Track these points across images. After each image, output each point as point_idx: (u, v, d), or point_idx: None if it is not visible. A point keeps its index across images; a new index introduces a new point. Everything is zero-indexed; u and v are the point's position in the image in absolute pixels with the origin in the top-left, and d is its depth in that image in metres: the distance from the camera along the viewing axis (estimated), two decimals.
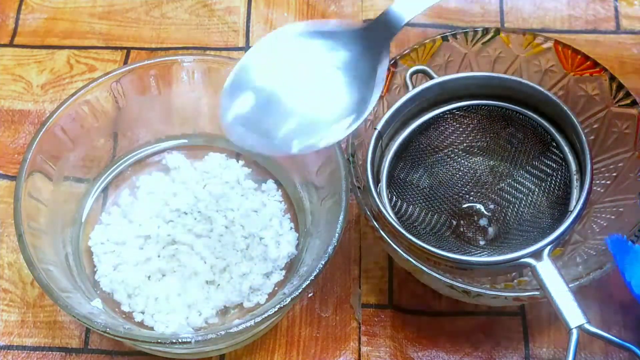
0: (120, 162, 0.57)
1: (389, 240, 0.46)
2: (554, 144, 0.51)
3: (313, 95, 0.44)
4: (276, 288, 0.52)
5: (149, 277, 0.51)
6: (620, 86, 0.50)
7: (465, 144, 0.54)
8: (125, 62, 0.63)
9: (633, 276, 0.44)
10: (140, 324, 0.50)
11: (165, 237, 0.52)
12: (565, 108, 0.50)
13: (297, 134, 0.43)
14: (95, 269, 0.52)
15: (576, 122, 0.49)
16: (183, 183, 0.55)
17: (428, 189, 0.54)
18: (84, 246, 0.53)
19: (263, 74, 0.44)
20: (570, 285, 0.44)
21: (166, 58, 0.54)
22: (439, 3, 0.44)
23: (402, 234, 0.47)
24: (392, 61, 0.53)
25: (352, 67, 0.44)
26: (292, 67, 0.44)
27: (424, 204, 0.53)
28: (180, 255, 0.52)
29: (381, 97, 0.52)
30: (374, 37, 0.44)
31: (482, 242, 0.53)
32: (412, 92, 0.51)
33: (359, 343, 0.52)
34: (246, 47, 0.64)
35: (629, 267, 0.44)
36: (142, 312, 0.50)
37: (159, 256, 0.52)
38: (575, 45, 0.52)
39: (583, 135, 0.49)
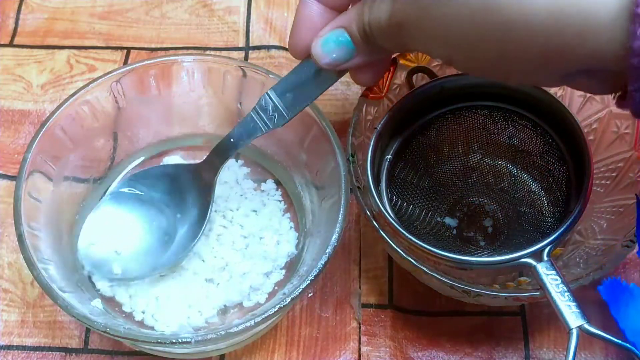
0: (120, 162, 0.57)
1: (389, 240, 0.46)
2: (554, 144, 0.51)
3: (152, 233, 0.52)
4: (276, 287, 0.52)
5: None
6: None
7: (465, 144, 0.54)
8: (125, 62, 0.63)
9: (627, 321, 0.44)
10: (141, 324, 0.50)
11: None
12: (565, 108, 0.50)
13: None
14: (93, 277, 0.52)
15: (576, 122, 0.49)
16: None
17: (428, 189, 0.54)
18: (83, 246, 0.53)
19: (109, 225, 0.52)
20: (570, 285, 0.44)
21: (166, 58, 0.54)
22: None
23: (402, 234, 0.47)
24: (392, 61, 0.53)
25: (189, 198, 0.51)
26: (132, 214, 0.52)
27: (424, 204, 0.53)
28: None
29: (381, 97, 0.52)
30: (206, 169, 0.51)
31: (482, 242, 0.53)
32: (412, 92, 0.51)
33: (359, 343, 0.52)
34: (246, 47, 0.64)
35: (623, 312, 0.44)
36: (143, 312, 0.50)
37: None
38: None
39: (583, 135, 0.49)
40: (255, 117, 0.48)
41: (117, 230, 0.51)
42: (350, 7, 0.44)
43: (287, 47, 0.64)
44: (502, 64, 0.37)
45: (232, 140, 0.49)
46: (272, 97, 0.47)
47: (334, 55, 0.43)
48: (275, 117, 0.47)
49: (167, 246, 0.51)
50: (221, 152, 0.50)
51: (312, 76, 0.46)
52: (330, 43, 0.43)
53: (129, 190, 0.52)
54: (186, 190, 0.52)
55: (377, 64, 0.46)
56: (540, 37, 0.34)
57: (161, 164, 0.57)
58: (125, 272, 0.50)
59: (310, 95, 0.47)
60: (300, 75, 0.46)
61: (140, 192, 0.52)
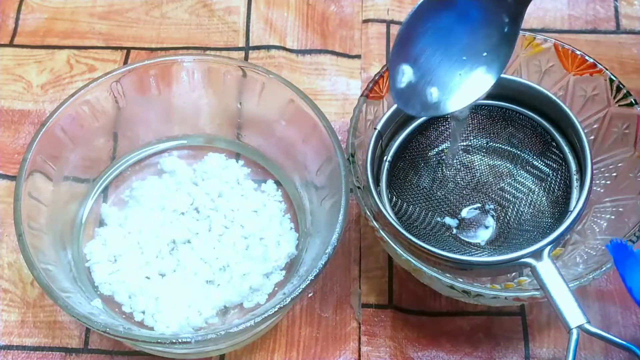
0: (120, 162, 0.57)
1: (389, 240, 0.46)
2: (554, 144, 0.51)
3: (463, 57, 0.47)
4: (276, 288, 0.52)
5: (149, 277, 0.51)
6: (620, 86, 0.50)
7: (465, 144, 0.54)
8: (125, 62, 0.63)
9: (634, 281, 0.43)
10: (141, 324, 0.50)
11: (164, 237, 0.52)
12: (565, 108, 0.50)
13: (455, 95, 0.48)
14: (93, 274, 0.52)
15: (576, 122, 0.49)
16: (180, 183, 0.55)
17: (428, 189, 0.54)
18: (83, 246, 0.53)
19: (419, 42, 0.47)
20: (570, 285, 0.44)
21: (166, 58, 0.54)
22: None
23: (402, 234, 0.47)
24: None
25: (491, 21, 0.47)
26: (442, 33, 0.47)
27: (424, 204, 0.53)
28: (180, 256, 0.52)
29: (381, 97, 0.52)
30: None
31: (482, 242, 0.53)
32: None
33: (359, 343, 0.52)
34: (246, 47, 0.64)
35: (629, 273, 0.44)
36: (143, 312, 0.50)
37: (157, 257, 0.52)
38: (575, 45, 0.52)
39: (583, 135, 0.49)
40: None
41: (428, 60, 0.47)
42: None
43: (287, 47, 0.64)
44: None
45: None
46: None
47: None
48: None
49: (470, 79, 0.48)
50: None
51: None
52: None
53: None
54: (490, 19, 0.47)
55: None
56: None
57: (159, 165, 0.57)
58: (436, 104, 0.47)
59: None
60: None
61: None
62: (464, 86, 0.48)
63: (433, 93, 0.48)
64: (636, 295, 0.43)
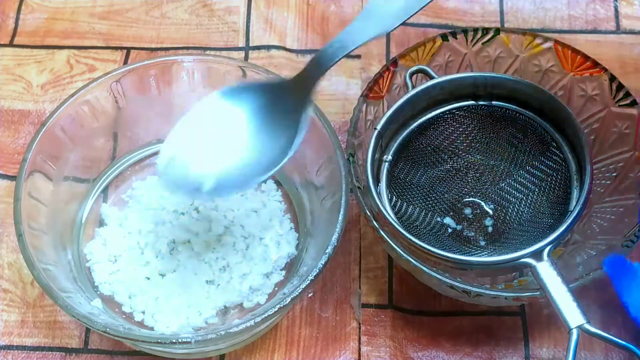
0: (120, 162, 0.57)
1: (389, 240, 0.46)
2: (554, 144, 0.51)
3: (240, 149, 0.47)
4: (276, 288, 0.52)
5: (149, 277, 0.51)
6: (620, 86, 0.50)
7: (465, 144, 0.54)
8: (125, 62, 0.63)
9: (630, 297, 0.43)
10: (141, 324, 0.50)
11: (164, 238, 0.52)
12: (566, 108, 0.50)
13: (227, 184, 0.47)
14: (93, 274, 0.52)
15: (576, 122, 0.49)
16: None
17: (428, 189, 0.54)
18: (83, 245, 0.53)
19: (195, 138, 0.48)
20: (570, 285, 0.44)
21: (166, 58, 0.54)
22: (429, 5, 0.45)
23: (402, 234, 0.47)
24: (392, 61, 0.53)
25: (278, 116, 0.47)
26: (220, 128, 0.48)
27: (424, 204, 0.53)
28: (180, 256, 0.52)
29: (381, 97, 0.52)
30: (298, 87, 0.47)
31: (482, 242, 0.53)
32: (412, 92, 0.51)
33: (359, 343, 0.52)
34: (246, 47, 0.64)
35: (626, 287, 0.44)
36: (143, 312, 0.50)
37: (157, 257, 0.52)
38: (575, 45, 0.52)
39: (583, 135, 0.49)
40: (360, 24, 0.43)
41: (201, 147, 0.47)
42: None
43: (287, 47, 0.64)
44: None
45: (332, 48, 0.44)
46: (380, 2, 0.43)
47: None
48: (386, 20, 0.43)
49: (254, 165, 0.47)
50: (322, 61, 0.45)
51: None
52: None
53: (216, 105, 0.48)
54: (277, 108, 0.47)
55: None
56: None
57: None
58: (208, 190, 0.46)
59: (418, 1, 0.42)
60: None
61: (228, 106, 0.48)
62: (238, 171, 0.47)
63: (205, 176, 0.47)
64: (632, 311, 0.43)
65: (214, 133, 0.47)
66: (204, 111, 0.48)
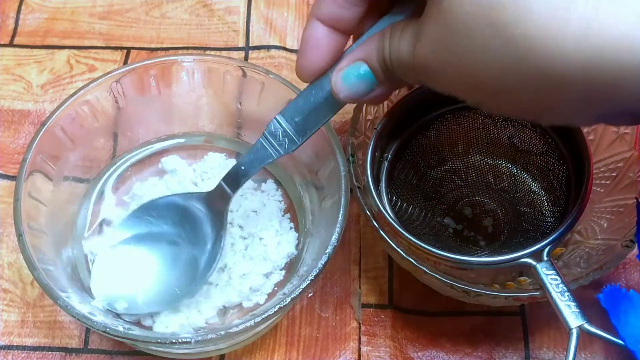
0: (120, 162, 0.57)
1: (389, 240, 0.46)
2: (554, 144, 0.51)
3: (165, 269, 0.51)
4: (276, 288, 0.52)
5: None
6: None
7: (465, 144, 0.54)
8: (125, 62, 0.64)
9: (627, 330, 0.44)
10: (140, 324, 0.50)
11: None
12: None
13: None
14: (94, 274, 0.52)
15: None
16: (179, 184, 0.55)
17: (428, 189, 0.54)
18: (83, 247, 0.53)
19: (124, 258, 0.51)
20: (570, 285, 0.44)
21: (166, 58, 0.54)
22: None
23: (402, 234, 0.47)
24: None
25: (200, 228, 0.51)
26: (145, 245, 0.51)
27: (424, 204, 0.53)
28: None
29: None
30: (217, 198, 0.50)
31: (482, 242, 0.53)
32: (412, 92, 0.51)
33: (359, 343, 0.52)
34: (246, 47, 0.64)
35: (623, 319, 0.44)
36: (143, 313, 0.50)
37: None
38: None
39: (583, 136, 0.49)
40: (265, 143, 0.46)
41: (128, 267, 0.50)
42: (364, 35, 0.42)
43: (287, 47, 0.64)
44: (535, 108, 0.35)
45: (242, 168, 0.48)
46: (281, 123, 0.45)
47: (355, 89, 0.41)
48: (285, 142, 0.45)
49: (182, 279, 0.50)
50: (232, 180, 0.48)
51: (322, 100, 0.43)
52: (351, 77, 0.41)
53: (136, 223, 0.51)
54: (197, 221, 0.50)
55: (393, 89, 0.45)
56: (577, 84, 0.33)
57: (160, 165, 0.57)
58: (140, 307, 0.49)
59: (320, 118, 0.44)
60: (309, 98, 0.44)
61: (148, 225, 0.51)
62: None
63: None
64: (630, 345, 0.43)
65: (136, 253, 0.51)
66: (124, 232, 0.51)
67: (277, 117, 0.45)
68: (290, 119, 0.45)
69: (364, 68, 0.41)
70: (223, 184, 0.49)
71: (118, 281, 0.50)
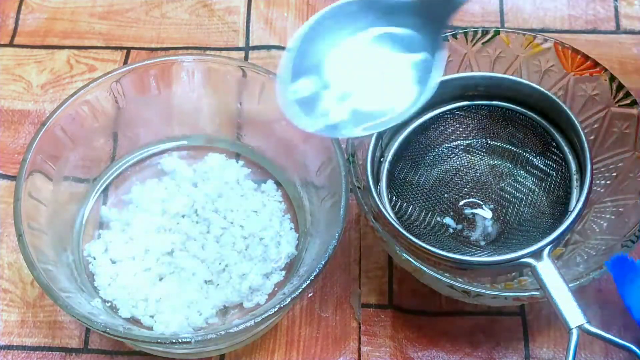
0: (120, 162, 0.57)
1: (389, 240, 0.46)
2: (554, 144, 0.51)
3: (372, 76, 0.43)
4: (276, 288, 0.52)
5: (150, 279, 0.51)
6: (620, 86, 0.50)
7: (465, 144, 0.54)
8: (125, 62, 0.63)
9: (633, 299, 0.43)
10: (140, 324, 0.50)
11: (165, 240, 0.52)
12: (565, 108, 0.50)
13: (357, 117, 0.42)
14: (94, 277, 0.52)
15: (576, 122, 0.49)
16: (179, 185, 0.55)
17: (428, 189, 0.54)
18: (83, 247, 0.53)
19: (318, 55, 0.43)
20: (570, 285, 0.44)
21: (166, 58, 0.54)
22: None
23: (402, 234, 0.47)
24: None
25: (411, 44, 0.43)
26: (348, 47, 0.43)
27: (424, 204, 0.53)
28: (180, 257, 0.52)
29: None
30: (433, 11, 0.42)
31: (482, 242, 0.53)
32: None
33: (359, 343, 0.52)
34: (246, 47, 0.64)
35: (628, 289, 0.44)
36: (143, 313, 0.50)
37: (157, 259, 0.52)
38: (575, 45, 0.52)
39: (583, 135, 0.49)
40: None
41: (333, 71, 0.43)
42: None
43: (287, 47, 0.64)
44: None
45: None
46: None
47: None
48: None
49: (391, 99, 0.43)
50: None
51: None
52: None
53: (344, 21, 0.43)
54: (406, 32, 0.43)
55: None
56: None
57: (159, 165, 0.57)
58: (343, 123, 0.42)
59: None
60: None
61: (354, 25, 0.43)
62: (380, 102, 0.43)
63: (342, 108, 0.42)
64: (635, 314, 0.43)
65: (341, 56, 0.43)
66: (326, 26, 0.43)
67: None
68: None
69: None
70: None
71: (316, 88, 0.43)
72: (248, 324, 0.44)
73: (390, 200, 0.51)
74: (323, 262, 0.46)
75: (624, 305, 0.44)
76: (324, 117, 0.42)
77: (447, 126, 0.53)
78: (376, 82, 0.43)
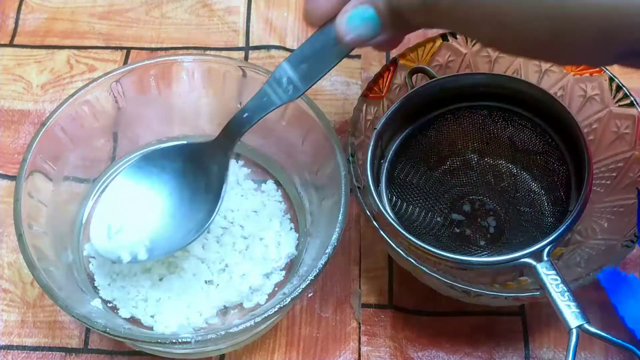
0: (120, 162, 0.57)
1: (389, 240, 0.46)
2: (554, 144, 0.51)
3: (168, 213, 0.50)
4: (276, 288, 0.52)
5: (149, 279, 0.51)
6: (620, 86, 0.51)
7: (465, 144, 0.54)
8: (125, 62, 0.64)
9: (626, 309, 0.44)
10: (140, 324, 0.50)
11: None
12: (565, 108, 0.50)
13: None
14: (94, 277, 0.52)
15: (576, 123, 0.49)
16: None
17: (428, 189, 0.54)
18: (83, 247, 0.53)
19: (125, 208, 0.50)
20: (570, 285, 0.44)
21: (166, 58, 0.54)
22: None
23: (402, 234, 0.47)
24: (392, 61, 0.53)
25: (200, 177, 0.49)
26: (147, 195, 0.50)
27: (424, 204, 0.53)
28: (180, 257, 0.52)
29: (381, 97, 0.52)
30: (219, 147, 0.49)
31: (482, 242, 0.53)
32: (412, 92, 0.51)
33: (359, 343, 0.52)
34: (246, 47, 0.64)
35: (621, 300, 0.44)
36: (143, 313, 0.50)
37: (157, 260, 0.52)
38: None
39: (583, 135, 0.49)
40: (269, 90, 0.46)
41: (128, 213, 0.50)
42: None
43: (287, 46, 0.64)
44: (553, 44, 0.35)
45: (246, 114, 0.47)
46: (287, 69, 0.45)
47: (359, 32, 0.41)
48: (290, 89, 0.45)
49: (180, 227, 0.49)
50: (235, 127, 0.48)
51: (328, 46, 0.43)
52: (356, 20, 0.41)
53: (139, 170, 0.50)
54: (199, 170, 0.49)
55: (400, 36, 0.45)
56: (596, 16, 0.32)
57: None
58: (136, 255, 0.49)
59: (325, 65, 0.44)
60: (315, 45, 0.44)
61: (149, 174, 0.50)
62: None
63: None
64: (629, 324, 0.43)
65: (141, 200, 0.50)
66: (127, 181, 0.50)
67: (284, 63, 0.45)
68: (296, 66, 0.45)
69: (369, 11, 0.41)
70: (225, 131, 0.48)
71: (116, 229, 0.49)
72: (248, 324, 0.44)
73: (390, 200, 0.51)
74: (323, 262, 0.46)
75: (618, 314, 0.44)
76: (131, 250, 0.49)
77: (447, 126, 0.53)
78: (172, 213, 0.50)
